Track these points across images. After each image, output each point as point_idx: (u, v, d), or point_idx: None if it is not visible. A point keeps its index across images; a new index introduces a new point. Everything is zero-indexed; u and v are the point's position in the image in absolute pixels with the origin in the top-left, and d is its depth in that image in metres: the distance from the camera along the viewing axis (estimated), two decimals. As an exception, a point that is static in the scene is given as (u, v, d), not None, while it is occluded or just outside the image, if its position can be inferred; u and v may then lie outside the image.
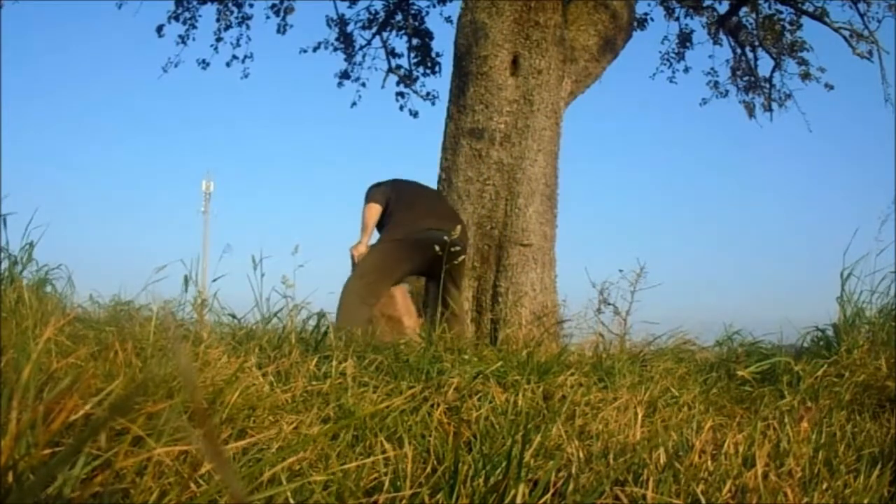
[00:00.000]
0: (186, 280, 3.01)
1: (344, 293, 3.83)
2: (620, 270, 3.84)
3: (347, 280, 3.92)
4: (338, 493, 1.34)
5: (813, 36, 11.18)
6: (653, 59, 8.68)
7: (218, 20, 8.06)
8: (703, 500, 1.36)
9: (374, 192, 4.12)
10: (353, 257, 4.03)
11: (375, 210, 4.05)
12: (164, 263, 3.02)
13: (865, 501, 1.46)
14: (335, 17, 8.42)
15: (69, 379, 1.25)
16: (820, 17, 7.12)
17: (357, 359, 2.35)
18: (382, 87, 8.49)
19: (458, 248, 3.75)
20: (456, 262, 3.81)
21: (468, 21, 4.92)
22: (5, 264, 2.90)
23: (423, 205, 4.15)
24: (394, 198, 4.09)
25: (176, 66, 8.10)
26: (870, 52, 7.02)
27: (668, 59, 8.55)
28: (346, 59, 8.55)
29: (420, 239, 3.82)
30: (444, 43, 9.42)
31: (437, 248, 3.61)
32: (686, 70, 8.59)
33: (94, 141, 52.33)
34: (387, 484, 1.39)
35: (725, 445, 1.58)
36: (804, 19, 7.57)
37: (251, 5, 8.17)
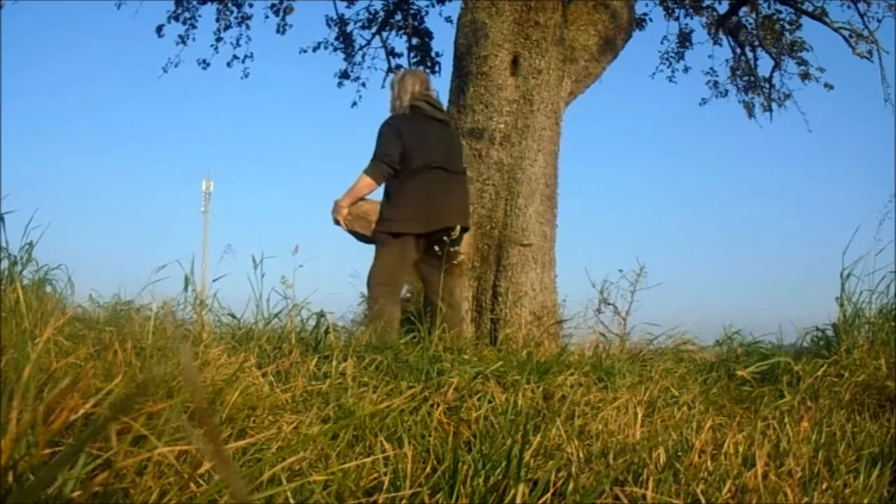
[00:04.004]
0: (186, 280, 3.01)
1: (373, 298, 3.79)
2: (620, 270, 3.85)
3: (368, 280, 3.86)
4: (338, 493, 1.34)
5: (813, 36, 11.19)
6: (652, 59, 8.70)
7: (218, 20, 8.07)
8: (703, 500, 1.36)
9: (378, 167, 3.87)
10: (336, 219, 3.95)
11: (370, 187, 3.91)
12: (163, 263, 3.02)
13: (865, 501, 1.46)
14: (335, 16, 8.44)
15: (69, 379, 1.25)
16: (820, 17, 7.12)
17: (357, 359, 2.35)
18: (382, 86, 8.51)
19: (456, 241, 3.76)
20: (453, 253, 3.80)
21: (468, 21, 4.92)
22: (5, 264, 2.90)
23: (438, 189, 3.92)
24: (409, 164, 3.86)
25: (176, 66, 8.12)
26: (870, 52, 7.02)
27: (667, 59, 8.56)
28: (345, 59, 8.56)
29: (426, 234, 3.79)
30: (443, 43, 9.43)
31: (436, 246, 3.64)
32: (686, 70, 8.60)
33: (95, 140, 52.27)
34: (386, 484, 1.39)
35: (725, 445, 1.58)
36: (804, 19, 7.58)
37: (251, 5, 8.18)
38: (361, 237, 4.04)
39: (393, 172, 3.87)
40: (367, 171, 3.89)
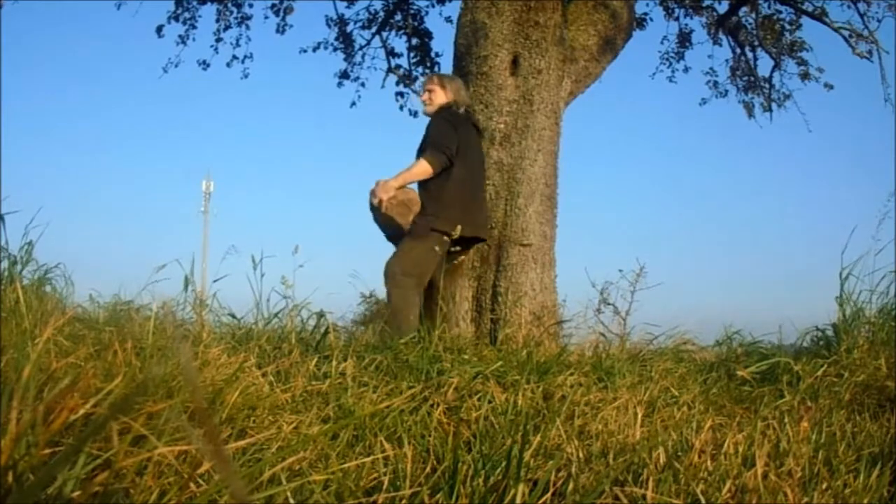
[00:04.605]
0: (187, 280, 3.01)
1: (399, 287, 3.74)
2: (620, 270, 3.85)
3: (393, 268, 3.78)
4: (337, 493, 1.34)
5: (813, 36, 11.20)
6: (652, 59, 8.69)
7: (218, 20, 8.06)
8: (702, 500, 1.36)
9: (439, 157, 3.85)
10: (377, 202, 3.83)
11: (426, 174, 3.87)
12: (163, 263, 3.02)
13: (865, 501, 1.46)
14: (335, 17, 8.43)
15: (69, 379, 1.25)
16: (820, 17, 7.11)
17: (357, 359, 2.35)
18: (382, 86, 8.50)
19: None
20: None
21: (468, 21, 4.92)
22: (5, 264, 2.90)
23: (473, 196, 4.04)
24: (456, 164, 3.90)
25: (176, 66, 8.10)
26: (870, 52, 7.01)
27: (667, 59, 8.56)
28: (345, 59, 8.55)
29: (455, 240, 3.82)
30: (443, 43, 9.42)
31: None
32: (686, 70, 8.59)
33: (95, 140, 52.24)
34: (386, 483, 1.39)
35: (725, 445, 1.58)
36: (804, 19, 7.57)
37: (251, 5, 8.17)
38: (388, 227, 3.98)
39: (449, 165, 3.88)
40: (428, 158, 3.86)
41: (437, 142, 3.89)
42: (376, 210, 3.94)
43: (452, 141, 3.89)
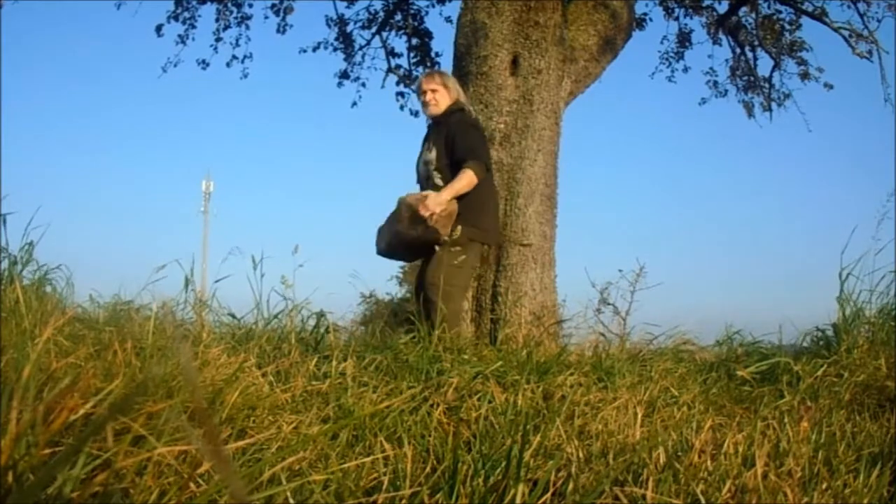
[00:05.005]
0: (187, 280, 3.01)
1: (451, 300, 3.59)
2: (620, 270, 3.85)
3: (435, 279, 3.59)
4: (337, 493, 1.34)
5: (812, 36, 11.22)
6: (652, 59, 8.70)
7: (217, 20, 8.06)
8: (702, 500, 1.36)
9: (481, 167, 3.78)
10: (429, 215, 3.65)
11: (471, 186, 3.75)
12: (163, 263, 3.02)
13: (865, 501, 1.46)
14: (335, 17, 8.43)
15: (69, 379, 1.25)
16: (819, 17, 7.11)
17: (357, 359, 2.35)
18: (382, 86, 8.50)
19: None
20: None
21: (468, 21, 4.93)
22: (5, 264, 2.90)
23: (497, 202, 4.14)
24: (485, 179, 3.90)
25: (175, 66, 8.10)
26: (869, 52, 7.02)
27: (667, 59, 8.56)
28: (345, 59, 8.55)
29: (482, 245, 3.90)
30: (443, 43, 9.45)
31: None
32: (685, 70, 8.60)
33: (95, 140, 52.26)
34: (386, 483, 1.39)
35: (725, 445, 1.58)
36: (804, 19, 7.58)
37: (250, 5, 8.17)
38: (418, 241, 3.82)
39: (486, 167, 3.85)
40: (474, 169, 3.75)
41: (478, 153, 3.81)
42: (411, 223, 3.74)
43: (486, 148, 3.96)
